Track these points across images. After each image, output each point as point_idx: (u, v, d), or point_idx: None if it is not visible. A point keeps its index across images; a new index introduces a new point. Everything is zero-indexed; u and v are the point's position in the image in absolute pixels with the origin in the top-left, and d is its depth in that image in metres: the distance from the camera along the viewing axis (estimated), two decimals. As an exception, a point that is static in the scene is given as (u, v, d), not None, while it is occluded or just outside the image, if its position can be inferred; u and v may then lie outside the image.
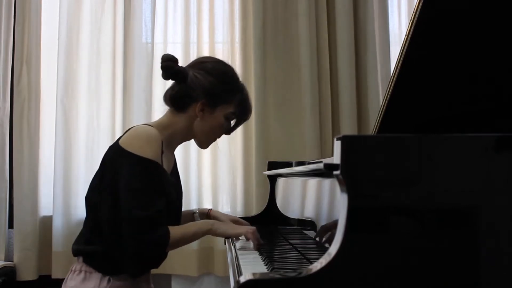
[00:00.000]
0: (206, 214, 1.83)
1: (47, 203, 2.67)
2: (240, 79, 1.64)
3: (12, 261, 2.62)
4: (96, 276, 1.46)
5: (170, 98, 1.58)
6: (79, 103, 2.68)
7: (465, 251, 0.87)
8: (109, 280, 1.46)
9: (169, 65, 1.54)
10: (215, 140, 1.66)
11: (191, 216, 1.85)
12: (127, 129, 1.55)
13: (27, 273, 2.59)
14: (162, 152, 1.49)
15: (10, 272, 2.56)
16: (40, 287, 2.63)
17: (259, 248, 1.47)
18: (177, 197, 1.61)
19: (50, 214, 2.63)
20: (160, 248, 1.44)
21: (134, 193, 1.40)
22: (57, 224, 2.58)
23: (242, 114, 1.61)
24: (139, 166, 1.42)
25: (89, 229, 1.52)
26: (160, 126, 1.55)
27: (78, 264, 1.50)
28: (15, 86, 2.66)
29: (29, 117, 2.65)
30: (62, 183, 2.60)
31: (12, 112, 2.68)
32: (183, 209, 2.59)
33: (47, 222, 2.64)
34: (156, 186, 1.43)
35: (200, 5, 2.77)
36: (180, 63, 2.84)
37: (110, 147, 1.52)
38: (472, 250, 0.88)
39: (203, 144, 1.65)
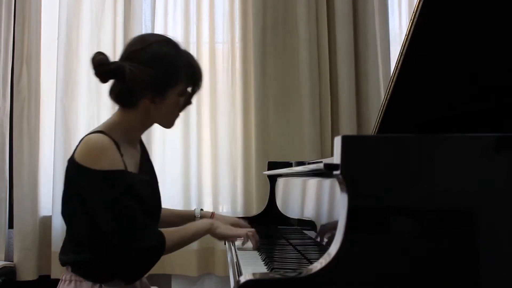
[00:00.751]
0: (209, 218, 1.78)
1: (47, 203, 2.67)
2: (182, 47, 1.52)
3: (12, 261, 2.62)
4: (86, 285, 1.42)
5: (116, 98, 1.50)
6: (79, 103, 2.68)
7: (465, 251, 0.87)
8: (100, 286, 1.42)
9: (103, 70, 1.44)
10: (178, 116, 1.56)
11: (192, 218, 1.79)
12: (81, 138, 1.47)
13: (27, 273, 2.59)
14: (122, 155, 1.43)
15: (10, 272, 2.56)
16: (40, 287, 2.63)
17: (257, 249, 1.47)
18: (152, 192, 1.55)
19: (50, 214, 2.63)
20: (157, 254, 1.41)
21: (109, 208, 1.36)
22: (57, 224, 2.58)
23: (195, 85, 1.52)
24: (102, 181, 1.36)
25: (73, 239, 1.48)
26: (113, 126, 1.47)
27: (67, 273, 1.46)
28: (15, 86, 2.66)
29: (29, 117, 2.65)
30: (61, 183, 2.58)
31: (12, 112, 2.68)
32: (183, 208, 2.62)
33: (47, 222, 2.64)
34: (127, 194, 1.38)
35: (200, 5, 2.77)
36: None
37: (68, 161, 1.45)
38: (472, 250, 0.88)
39: (167, 125, 1.56)
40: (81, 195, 1.40)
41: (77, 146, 1.44)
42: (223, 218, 1.79)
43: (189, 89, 1.51)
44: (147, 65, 1.43)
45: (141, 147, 1.62)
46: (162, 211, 1.65)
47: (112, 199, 1.36)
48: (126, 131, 1.49)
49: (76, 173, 1.41)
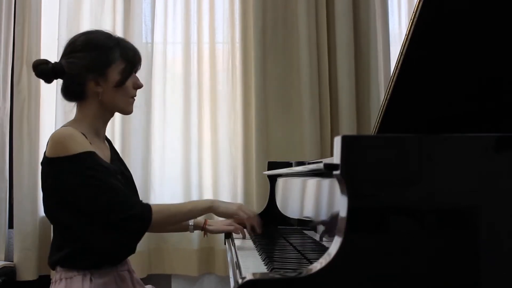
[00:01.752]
0: (201, 228, 1.78)
1: (47, 203, 2.67)
2: (114, 34, 1.58)
3: (12, 261, 2.62)
4: (77, 280, 1.43)
5: (65, 94, 1.56)
6: (79, 103, 2.68)
7: (465, 251, 0.87)
8: (91, 280, 1.44)
9: (42, 69, 1.52)
10: (133, 99, 1.60)
11: (186, 227, 1.79)
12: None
13: (27, 273, 2.59)
14: (91, 143, 1.47)
15: (10, 272, 2.56)
16: (40, 287, 2.63)
17: (261, 244, 1.48)
18: (127, 182, 1.57)
19: (50, 214, 2.62)
20: (143, 223, 1.42)
21: (87, 188, 1.39)
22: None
23: (131, 61, 1.56)
24: (76, 163, 1.40)
25: (58, 238, 1.50)
26: (75, 123, 1.52)
27: (57, 274, 1.48)
28: (15, 86, 2.66)
29: (29, 117, 2.65)
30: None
31: (12, 112, 2.68)
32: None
33: (47, 222, 2.63)
34: (102, 170, 1.42)
35: (200, 5, 2.77)
36: (181, 63, 2.83)
37: (41, 163, 1.49)
38: (472, 250, 0.88)
39: (125, 109, 1.59)
40: (58, 186, 1.42)
41: (46, 147, 1.48)
42: (215, 224, 1.79)
43: (128, 67, 1.54)
44: (80, 51, 1.51)
45: (109, 145, 1.66)
46: None
47: (89, 178, 1.39)
48: (88, 126, 1.53)
49: (50, 168, 1.44)
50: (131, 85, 1.56)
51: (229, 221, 1.77)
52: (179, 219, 1.58)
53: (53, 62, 1.53)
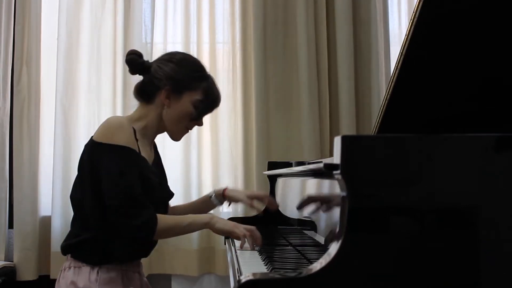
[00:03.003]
0: (222, 195, 1.83)
1: (47, 203, 2.67)
2: (208, 72, 1.65)
3: (12, 261, 2.62)
4: (85, 270, 1.48)
5: (137, 90, 1.61)
6: (79, 103, 2.68)
7: (465, 251, 0.87)
8: (97, 273, 1.47)
9: (133, 58, 1.57)
10: (187, 131, 1.65)
11: (208, 201, 1.85)
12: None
13: (27, 273, 2.59)
14: (137, 140, 1.51)
15: (10, 272, 2.56)
16: (40, 287, 2.63)
17: (259, 248, 1.47)
18: (161, 186, 1.62)
19: (50, 214, 2.62)
20: (145, 233, 1.45)
21: (112, 180, 1.43)
22: (56, 224, 2.58)
23: (210, 101, 1.62)
24: (112, 154, 1.44)
25: (77, 226, 1.54)
26: (132, 119, 1.57)
27: (67, 261, 1.53)
28: (15, 86, 2.66)
29: (29, 117, 2.65)
30: (61, 183, 2.60)
31: (12, 112, 2.67)
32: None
33: (47, 222, 2.64)
34: (133, 170, 1.45)
35: (200, 5, 2.77)
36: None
37: (86, 145, 1.54)
38: (472, 250, 0.88)
39: (174, 134, 1.64)
40: (94, 170, 1.46)
41: (96, 130, 1.53)
42: (236, 193, 1.84)
43: (203, 104, 1.59)
44: (174, 62, 1.57)
45: (155, 152, 1.70)
46: (182, 207, 1.83)
47: (118, 172, 1.43)
48: (142, 127, 1.58)
49: (93, 151, 1.48)
50: (193, 117, 1.61)
51: (251, 193, 1.86)
52: (177, 232, 1.61)
53: (145, 59, 1.59)
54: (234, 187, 1.91)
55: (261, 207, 1.89)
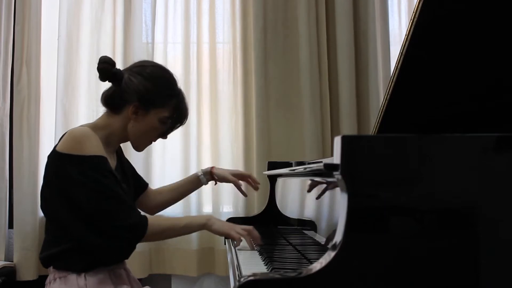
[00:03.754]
0: (210, 173, 1.87)
1: (47, 203, 2.67)
2: (179, 85, 1.64)
3: (12, 261, 2.62)
4: (72, 278, 1.45)
5: (105, 99, 1.59)
6: (79, 103, 2.68)
7: (465, 251, 0.87)
8: (85, 277, 1.45)
9: (105, 67, 1.54)
10: (150, 143, 1.65)
11: (197, 179, 1.87)
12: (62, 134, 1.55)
13: (27, 273, 2.59)
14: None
15: (10, 272, 2.55)
16: (40, 287, 2.63)
17: (259, 247, 1.47)
18: (128, 192, 1.60)
19: (50, 214, 2.62)
20: (137, 234, 1.44)
21: (92, 189, 1.41)
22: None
23: (177, 118, 1.62)
24: (85, 164, 1.42)
25: (52, 234, 1.51)
26: (96, 127, 1.55)
27: (51, 274, 1.50)
28: (15, 86, 2.66)
29: (29, 117, 2.65)
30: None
31: (12, 112, 2.67)
32: (183, 208, 2.62)
33: (47, 222, 2.64)
34: (109, 175, 1.44)
35: (200, 5, 2.77)
36: (180, 63, 2.83)
37: (49, 156, 1.51)
38: (472, 250, 0.88)
39: (138, 146, 1.64)
40: (64, 183, 1.43)
41: (58, 141, 1.51)
42: (222, 171, 1.88)
43: (171, 120, 1.60)
44: (145, 78, 1.55)
45: (117, 155, 1.68)
46: (167, 188, 1.87)
47: (95, 181, 1.41)
48: (106, 135, 1.56)
49: (59, 163, 1.46)
50: (159, 132, 1.61)
51: (235, 171, 1.91)
52: (173, 233, 1.60)
53: (117, 68, 1.57)
54: (220, 167, 1.92)
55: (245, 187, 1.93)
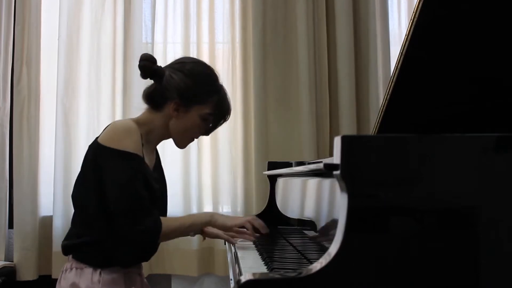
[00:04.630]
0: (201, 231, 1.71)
1: (47, 203, 2.67)
2: (220, 81, 1.63)
3: (12, 261, 2.62)
4: (87, 271, 1.47)
5: (146, 96, 1.60)
6: (79, 103, 2.68)
7: (465, 251, 0.87)
8: (100, 274, 1.47)
9: (146, 65, 1.55)
10: (192, 140, 1.65)
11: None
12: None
13: (27, 273, 2.59)
14: (142, 145, 1.51)
15: (10, 272, 2.56)
16: (40, 287, 2.63)
17: (261, 244, 1.48)
18: (161, 192, 1.62)
19: (50, 214, 2.63)
20: (151, 237, 1.46)
21: (119, 186, 1.42)
22: (57, 224, 2.58)
23: (219, 115, 1.61)
24: (120, 160, 1.44)
25: (78, 225, 1.53)
26: (139, 122, 1.56)
27: (68, 262, 1.52)
28: (15, 86, 2.66)
29: (29, 117, 2.65)
30: (62, 183, 2.60)
31: (12, 112, 2.68)
32: (183, 208, 2.63)
33: (47, 222, 2.65)
34: (139, 177, 1.45)
35: (200, 5, 2.77)
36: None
37: (90, 146, 1.53)
38: (472, 250, 0.88)
39: (180, 143, 1.64)
40: (98, 174, 1.45)
41: (102, 132, 1.52)
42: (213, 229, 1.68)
43: (212, 117, 1.58)
44: (186, 75, 1.54)
45: (156, 156, 1.69)
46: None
47: (125, 179, 1.43)
48: (147, 131, 1.57)
49: (98, 154, 1.47)
50: (200, 129, 1.60)
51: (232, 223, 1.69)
52: (180, 234, 1.62)
53: (158, 65, 1.57)
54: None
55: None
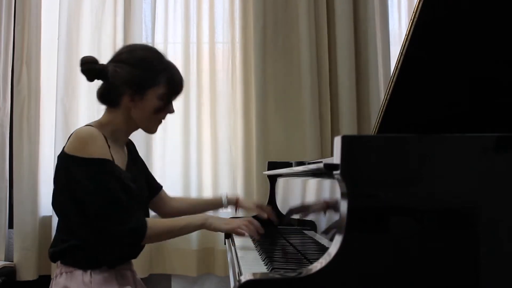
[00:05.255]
0: (235, 202, 1.93)
1: (47, 203, 2.66)
2: (165, 56, 1.60)
3: (12, 261, 2.62)
4: (77, 274, 1.47)
5: (99, 97, 1.58)
6: (79, 103, 2.69)
7: (465, 251, 0.87)
8: (90, 274, 1.47)
9: (88, 67, 1.54)
10: (160, 122, 1.63)
11: (219, 204, 1.92)
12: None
13: (27, 273, 2.59)
14: (109, 147, 1.50)
15: (10, 272, 2.56)
16: (40, 287, 2.63)
17: (259, 238, 1.48)
18: (139, 191, 1.59)
19: (50, 214, 2.63)
20: (135, 237, 1.45)
21: (93, 194, 1.42)
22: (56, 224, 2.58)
23: (174, 90, 1.59)
24: (88, 167, 1.43)
25: (62, 231, 1.53)
26: (100, 124, 1.55)
27: (57, 268, 1.51)
28: (15, 86, 2.66)
29: (29, 117, 2.65)
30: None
31: (12, 112, 2.68)
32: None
33: (47, 222, 2.65)
34: (111, 180, 1.44)
35: (200, 5, 2.77)
36: (180, 63, 2.83)
37: (58, 156, 1.52)
38: (472, 250, 0.88)
39: (149, 129, 1.63)
40: (71, 184, 1.45)
41: (67, 140, 1.52)
42: (247, 202, 1.94)
43: (169, 94, 1.57)
44: (129, 64, 1.52)
45: (128, 149, 1.68)
46: (186, 201, 1.93)
47: (98, 184, 1.42)
48: (112, 131, 1.56)
49: (66, 164, 1.47)
50: (163, 109, 1.59)
51: (259, 204, 1.94)
52: (172, 235, 1.60)
53: (100, 63, 1.55)
54: (244, 198, 2.00)
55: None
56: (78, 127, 2.60)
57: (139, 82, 1.52)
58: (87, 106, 2.69)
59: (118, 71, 1.51)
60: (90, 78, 1.56)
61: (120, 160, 1.56)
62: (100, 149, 1.46)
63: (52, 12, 2.74)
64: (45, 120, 2.72)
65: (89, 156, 1.43)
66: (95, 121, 1.58)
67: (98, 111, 2.64)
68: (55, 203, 1.54)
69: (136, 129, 1.63)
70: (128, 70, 1.51)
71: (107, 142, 1.49)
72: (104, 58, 2.65)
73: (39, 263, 2.63)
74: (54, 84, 2.68)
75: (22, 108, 2.65)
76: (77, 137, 1.48)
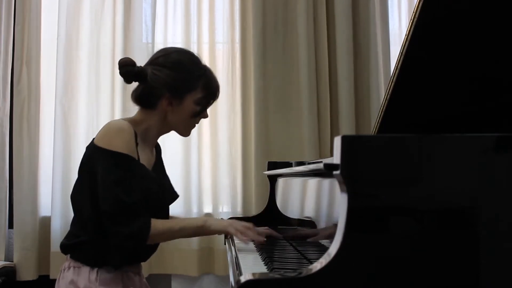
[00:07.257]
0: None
1: (47, 203, 2.66)
2: (202, 60, 1.62)
3: (12, 261, 2.62)
4: (85, 270, 1.48)
5: (136, 98, 1.59)
6: (79, 103, 2.68)
7: (465, 251, 0.87)
8: (97, 272, 1.47)
9: (127, 70, 1.55)
10: (194, 126, 1.66)
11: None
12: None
13: (27, 273, 2.59)
14: (137, 144, 1.50)
15: (10, 272, 2.55)
16: (40, 287, 2.63)
17: (261, 244, 1.47)
18: (161, 191, 1.60)
19: (50, 214, 2.62)
20: (136, 241, 1.44)
21: (108, 187, 1.42)
22: (56, 225, 2.58)
23: (211, 95, 1.60)
24: (111, 160, 1.43)
25: (76, 226, 1.54)
26: (134, 122, 1.55)
27: (66, 262, 1.53)
28: (15, 86, 2.66)
29: (29, 117, 2.65)
30: (60, 183, 2.60)
31: (12, 112, 2.67)
32: (183, 208, 2.63)
33: (47, 222, 2.64)
34: (130, 178, 1.44)
35: (200, 5, 2.77)
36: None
37: (87, 147, 1.53)
38: (472, 250, 0.88)
39: (184, 133, 1.65)
40: (91, 174, 1.46)
41: (98, 132, 1.52)
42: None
43: (205, 99, 1.58)
44: (167, 67, 1.53)
45: (156, 153, 1.69)
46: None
47: (113, 180, 1.42)
48: (144, 130, 1.57)
49: (92, 154, 1.48)
50: (199, 114, 1.60)
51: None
52: (171, 237, 1.61)
53: (138, 66, 1.56)
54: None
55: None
56: (77, 127, 2.65)
57: (179, 86, 1.54)
58: (87, 106, 2.68)
59: (158, 74, 1.53)
60: (128, 81, 1.57)
61: (146, 160, 1.56)
62: (125, 144, 1.45)
63: (52, 12, 2.74)
64: (45, 120, 2.72)
65: (113, 148, 1.44)
66: (128, 117, 1.59)
67: (97, 111, 2.68)
68: (74, 195, 1.55)
69: (168, 131, 1.64)
70: (168, 73, 1.53)
71: (136, 140, 1.49)
72: (104, 58, 2.70)
73: (39, 263, 2.62)
74: (54, 84, 2.67)
75: (22, 108, 2.65)
76: (107, 129, 1.49)
